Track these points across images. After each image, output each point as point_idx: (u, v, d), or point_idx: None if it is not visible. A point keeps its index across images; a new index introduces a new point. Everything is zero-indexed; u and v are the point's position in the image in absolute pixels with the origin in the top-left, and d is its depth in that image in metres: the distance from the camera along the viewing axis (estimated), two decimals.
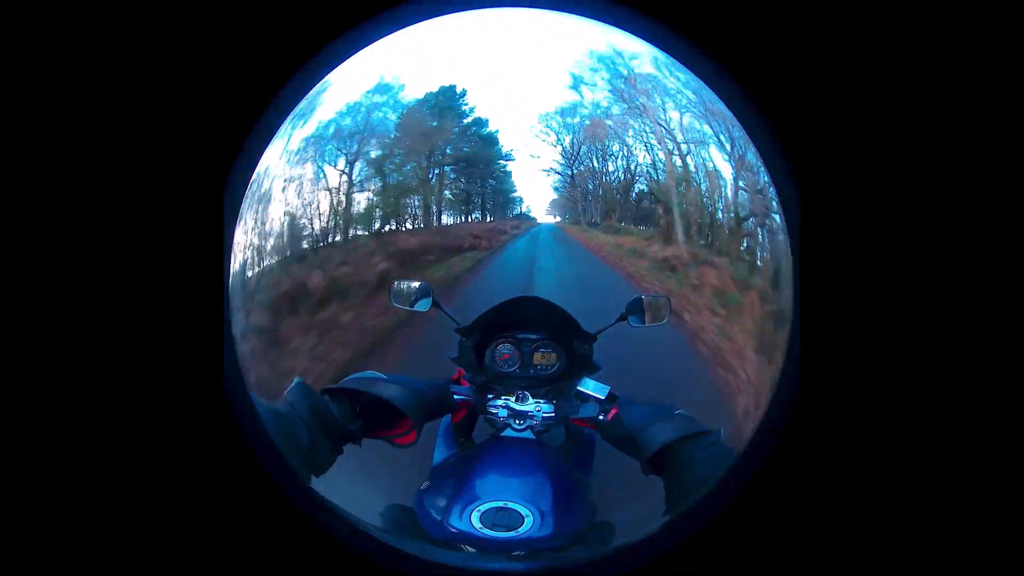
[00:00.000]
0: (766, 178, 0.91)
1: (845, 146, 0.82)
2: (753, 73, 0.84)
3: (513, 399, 1.24)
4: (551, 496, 1.01)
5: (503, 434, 1.24)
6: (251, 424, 0.81)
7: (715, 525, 0.82)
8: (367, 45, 0.93)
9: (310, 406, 0.97)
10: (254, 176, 0.95)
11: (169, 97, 0.80)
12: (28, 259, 0.78)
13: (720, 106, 0.97)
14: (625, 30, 0.94)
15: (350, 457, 1.05)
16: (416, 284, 1.42)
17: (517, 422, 1.23)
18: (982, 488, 0.79)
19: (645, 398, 1.17)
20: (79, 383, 0.78)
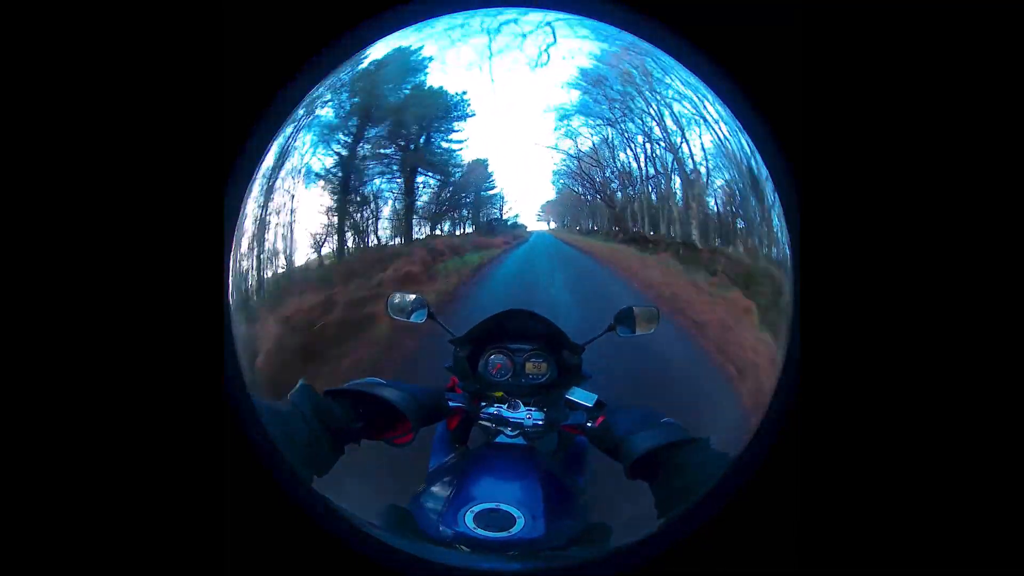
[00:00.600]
0: (766, 178, 0.91)
1: (845, 146, 0.82)
2: (753, 73, 0.84)
3: (505, 407, 1.28)
4: (541, 498, 1.05)
5: (496, 440, 1.28)
6: (252, 423, 0.81)
7: (715, 525, 0.82)
8: (367, 45, 0.94)
9: (314, 407, 0.99)
10: (254, 176, 0.96)
11: (169, 97, 0.80)
12: (28, 257, 0.78)
13: (720, 107, 0.97)
14: (625, 30, 0.94)
15: (351, 458, 1.07)
16: (412, 296, 1.49)
17: (509, 429, 1.26)
18: (981, 488, 0.79)
19: (636, 405, 1.20)
20: (80, 384, 0.78)
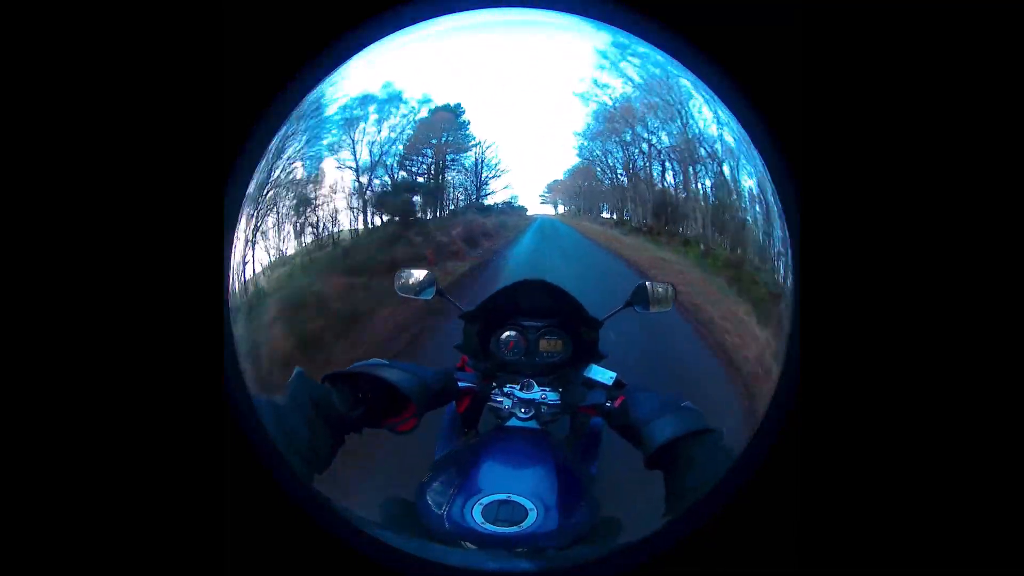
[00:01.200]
0: (767, 178, 0.91)
1: (845, 146, 0.82)
2: (753, 73, 0.84)
3: (518, 387, 1.23)
4: (556, 489, 0.98)
5: (507, 424, 1.22)
6: (250, 423, 0.81)
7: (715, 525, 0.82)
8: (367, 45, 0.94)
9: (311, 397, 0.94)
10: (252, 176, 0.95)
11: (169, 98, 0.80)
12: (28, 255, 0.78)
13: (720, 106, 0.97)
14: (625, 30, 0.94)
15: (353, 448, 1.01)
16: (421, 273, 1.42)
17: (522, 410, 1.21)
18: (981, 487, 0.79)
19: (655, 386, 1.14)
20: (78, 384, 0.78)
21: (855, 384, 0.81)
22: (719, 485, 0.84)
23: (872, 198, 0.81)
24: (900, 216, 0.81)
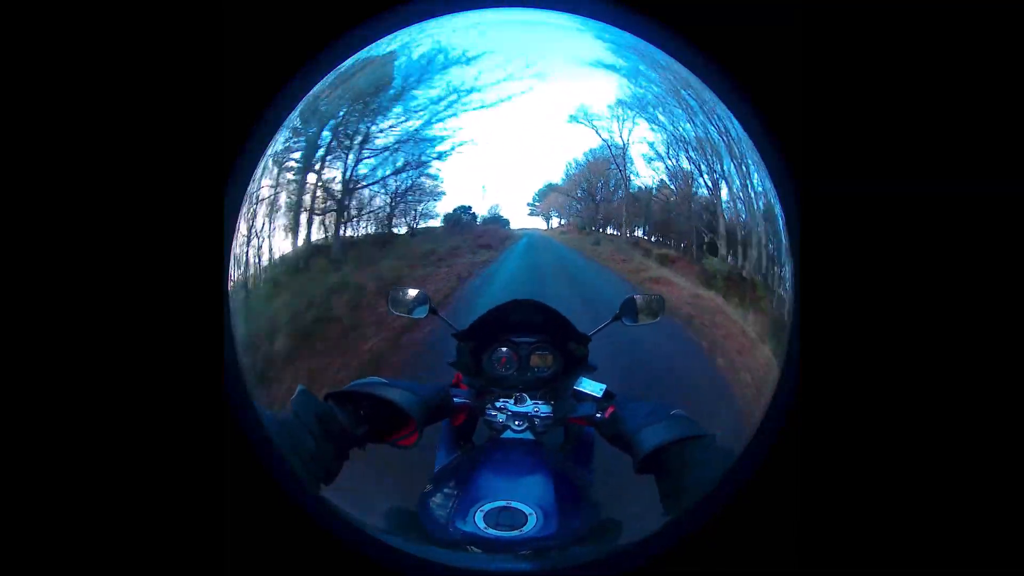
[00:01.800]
0: (767, 178, 0.91)
1: (845, 146, 0.82)
2: (753, 73, 0.84)
3: (512, 401, 1.27)
4: (553, 495, 1.02)
5: (503, 436, 1.26)
6: (257, 435, 0.81)
7: (715, 525, 0.82)
8: (366, 46, 0.94)
9: (315, 414, 0.97)
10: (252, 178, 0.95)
11: (169, 98, 0.80)
12: (27, 261, 0.78)
13: (720, 105, 0.96)
14: (625, 30, 0.94)
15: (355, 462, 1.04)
16: (413, 292, 1.47)
17: (516, 423, 1.25)
18: (982, 487, 0.79)
19: (644, 396, 1.18)
20: (78, 385, 0.78)
21: (855, 383, 0.81)
22: (719, 485, 0.85)
23: (872, 197, 0.81)
24: (900, 215, 0.81)
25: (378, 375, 1.13)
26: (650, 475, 0.99)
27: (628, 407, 1.11)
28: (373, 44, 0.95)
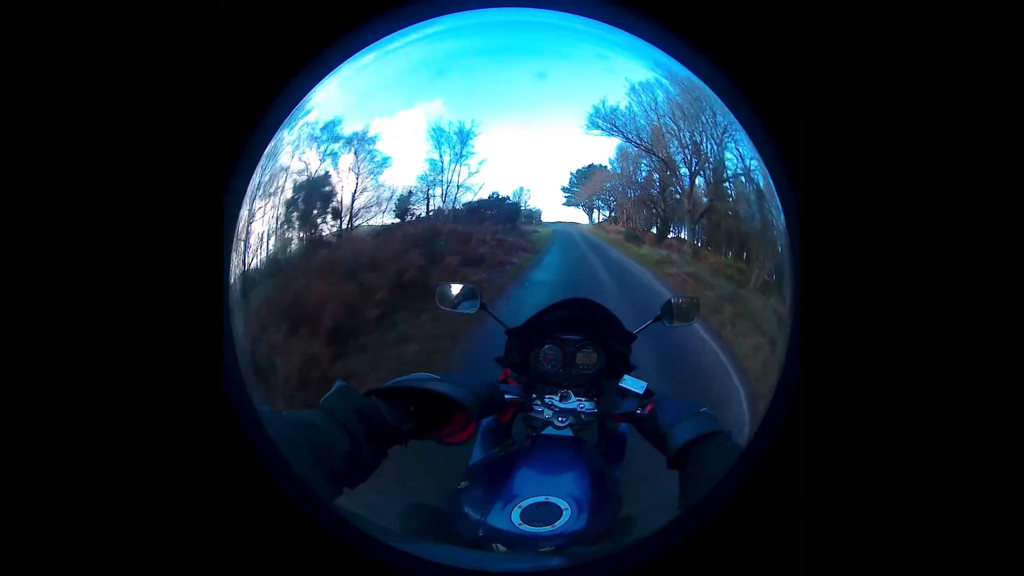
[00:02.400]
0: (767, 179, 0.91)
1: (845, 146, 0.82)
2: (753, 73, 0.84)
3: (557, 397, 1.32)
4: (589, 491, 1.06)
5: (543, 432, 1.30)
6: (257, 435, 0.80)
7: (717, 524, 0.82)
8: (367, 46, 0.94)
9: (356, 410, 0.95)
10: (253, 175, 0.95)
11: (170, 98, 0.80)
12: (27, 261, 0.77)
13: (720, 105, 0.97)
14: (625, 30, 0.94)
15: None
16: (463, 286, 1.45)
17: (560, 419, 1.30)
18: (986, 486, 0.80)
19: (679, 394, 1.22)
20: (78, 385, 0.77)
21: (857, 383, 0.81)
22: (720, 484, 0.85)
23: (872, 197, 0.82)
24: (900, 215, 0.81)
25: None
26: (651, 473, 1.01)
27: (664, 405, 1.16)
28: (373, 44, 0.95)
